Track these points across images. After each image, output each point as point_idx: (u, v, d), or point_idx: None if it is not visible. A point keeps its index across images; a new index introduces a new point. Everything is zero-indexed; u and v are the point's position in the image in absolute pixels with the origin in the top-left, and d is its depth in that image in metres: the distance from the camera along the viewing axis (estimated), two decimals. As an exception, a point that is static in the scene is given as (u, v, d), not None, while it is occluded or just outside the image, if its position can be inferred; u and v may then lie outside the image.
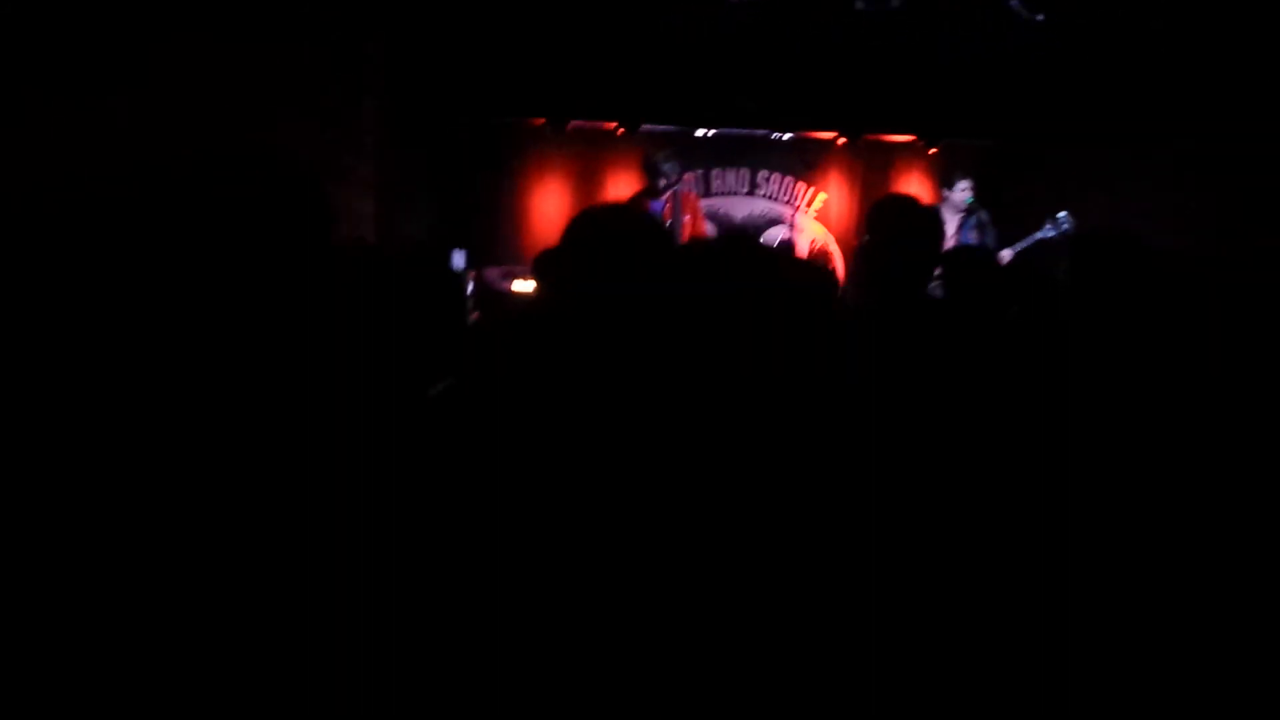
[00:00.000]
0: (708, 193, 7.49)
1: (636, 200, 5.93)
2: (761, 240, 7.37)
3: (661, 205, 5.83)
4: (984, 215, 5.70)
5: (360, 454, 1.31)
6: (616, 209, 1.70)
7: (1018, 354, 1.59)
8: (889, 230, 2.12)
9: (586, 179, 7.40)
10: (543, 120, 7.11)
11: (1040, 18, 5.62)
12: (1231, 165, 5.65)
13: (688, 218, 5.93)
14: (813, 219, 7.61)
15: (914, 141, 7.54)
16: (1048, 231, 5.39)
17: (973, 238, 5.55)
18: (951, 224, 5.66)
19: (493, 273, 5.70)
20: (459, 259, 5.62)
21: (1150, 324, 1.52)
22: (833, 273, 5.24)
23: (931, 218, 2.23)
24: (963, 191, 5.67)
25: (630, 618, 1.30)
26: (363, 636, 1.24)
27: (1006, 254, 5.46)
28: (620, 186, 7.35)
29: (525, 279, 5.48)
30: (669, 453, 1.32)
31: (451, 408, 1.61)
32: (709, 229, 6.54)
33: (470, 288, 5.28)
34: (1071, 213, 5.36)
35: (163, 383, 1.27)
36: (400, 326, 2.00)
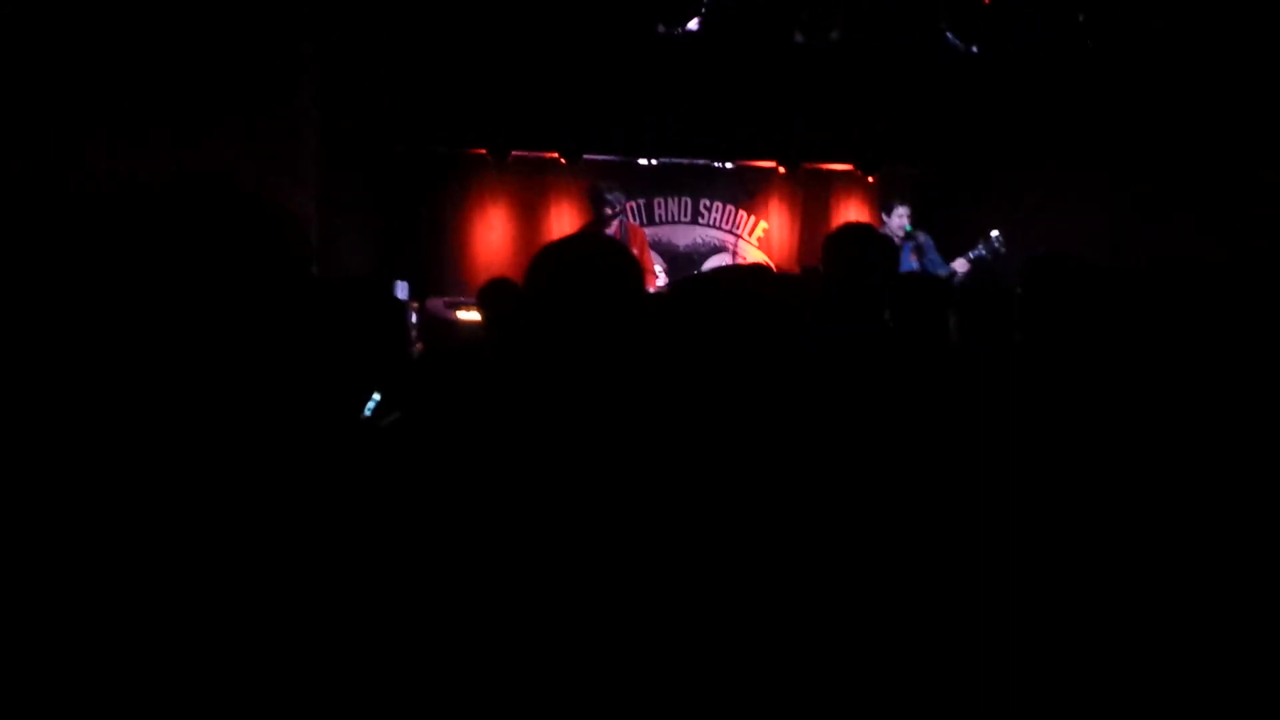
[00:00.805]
0: (651, 221, 7.53)
1: (583, 230, 5.92)
2: (704, 267, 7.44)
3: (610, 236, 5.84)
4: (922, 238, 5.80)
5: (309, 485, 1.28)
6: (584, 240, 1.69)
7: (974, 377, 1.61)
8: (848, 260, 2.14)
9: (529, 208, 7.39)
10: (484, 150, 7.10)
11: (974, 49, 5.76)
12: (1160, 180, 5.84)
13: (635, 251, 5.94)
14: (755, 247, 7.69)
15: (852, 170, 7.67)
16: (980, 251, 5.49)
17: (912, 262, 5.64)
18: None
19: (436, 303, 5.65)
20: (402, 289, 5.55)
21: (1103, 340, 1.55)
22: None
23: (887, 246, 2.26)
24: (900, 218, 5.76)
25: (577, 660, 1.28)
26: (304, 676, 1.20)
27: (961, 264, 5.55)
28: (563, 216, 7.36)
29: (469, 309, 5.43)
30: (627, 489, 1.31)
31: (401, 439, 1.58)
32: (656, 262, 6.56)
33: (414, 318, 5.21)
34: (1005, 233, 5.48)
35: (120, 409, 1.23)
36: (343, 357, 1.96)
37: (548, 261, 1.57)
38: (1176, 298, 1.58)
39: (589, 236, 1.64)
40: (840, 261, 2.18)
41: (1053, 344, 1.55)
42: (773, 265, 7.63)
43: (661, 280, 6.39)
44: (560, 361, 1.52)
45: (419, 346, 4.60)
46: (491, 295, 3.42)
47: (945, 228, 6.47)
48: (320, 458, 1.35)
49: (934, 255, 5.75)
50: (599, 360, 1.46)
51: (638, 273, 1.56)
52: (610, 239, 1.70)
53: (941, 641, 1.32)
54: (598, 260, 1.55)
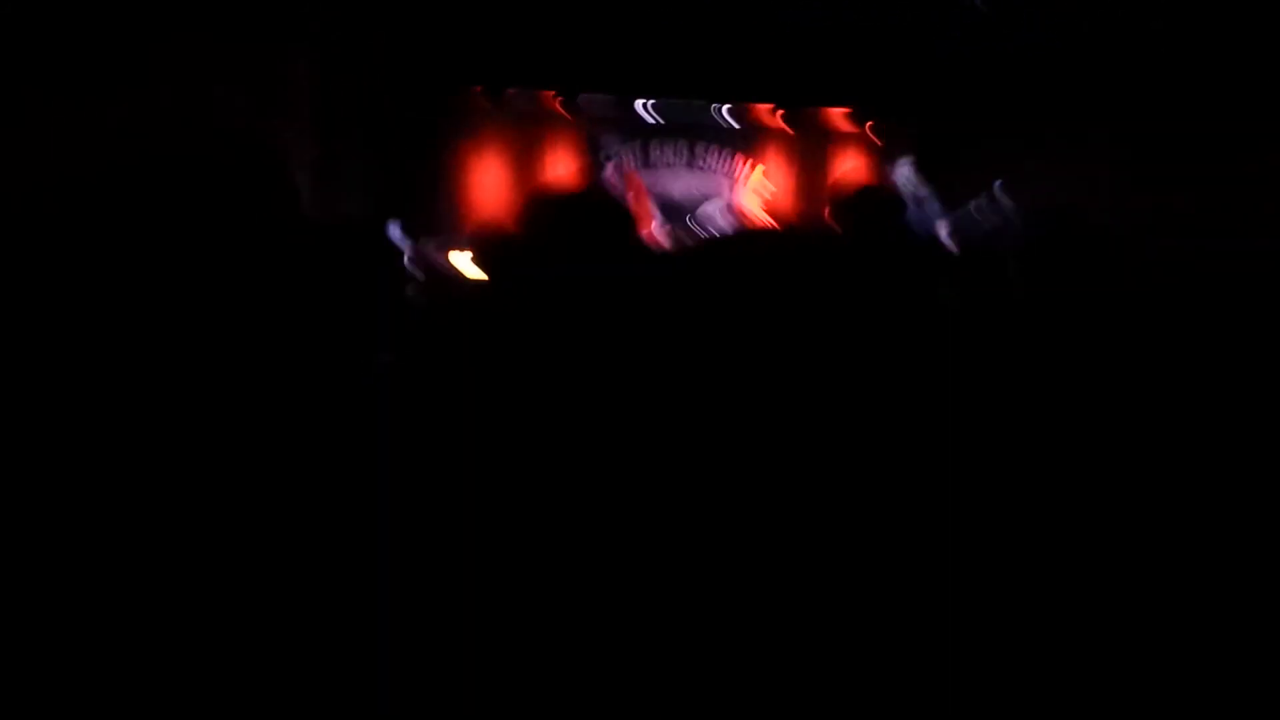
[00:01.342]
0: (646, 165, 7.46)
1: (581, 178, 5.88)
2: (700, 213, 7.39)
3: (606, 184, 5.80)
4: (923, 190, 5.77)
5: (304, 429, 1.28)
6: (576, 191, 1.68)
7: (962, 333, 1.61)
8: (858, 218, 2.13)
9: (525, 151, 7.32)
10: (479, 88, 7.00)
11: (982, 3, 5.67)
12: (1167, 141, 5.81)
13: (632, 198, 5.90)
14: (751, 193, 7.64)
15: (851, 116, 7.59)
16: (980, 201, 5.47)
17: (912, 211, 5.61)
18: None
19: (430, 245, 5.62)
20: (396, 232, 5.52)
21: (1103, 304, 1.55)
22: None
23: (895, 203, 2.25)
24: (906, 171, 5.72)
25: (580, 616, 1.29)
26: (314, 623, 1.21)
27: (943, 226, 5.53)
28: (559, 160, 7.29)
29: (463, 251, 5.41)
30: (626, 441, 1.31)
31: (396, 380, 1.58)
32: (653, 207, 6.51)
33: (408, 260, 5.19)
34: (1006, 185, 5.45)
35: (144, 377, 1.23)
36: (338, 301, 1.95)
37: (539, 209, 1.57)
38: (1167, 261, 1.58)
39: (582, 186, 1.64)
40: (849, 220, 2.17)
41: (1052, 302, 1.55)
42: (767, 211, 7.60)
43: (658, 224, 6.35)
44: (554, 305, 1.52)
45: (412, 288, 4.58)
46: (490, 245, 3.40)
47: (944, 181, 6.43)
48: (317, 399, 1.36)
49: (933, 205, 5.72)
50: (592, 304, 1.45)
51: (629, 221, 1.56)
52: (603, 189, 1.69)
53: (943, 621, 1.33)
54: (589, 208, 1.54)
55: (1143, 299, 1.58)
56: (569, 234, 1.49)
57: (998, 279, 1.81)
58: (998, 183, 5.41)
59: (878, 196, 2.26)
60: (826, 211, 2.23)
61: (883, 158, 6.21)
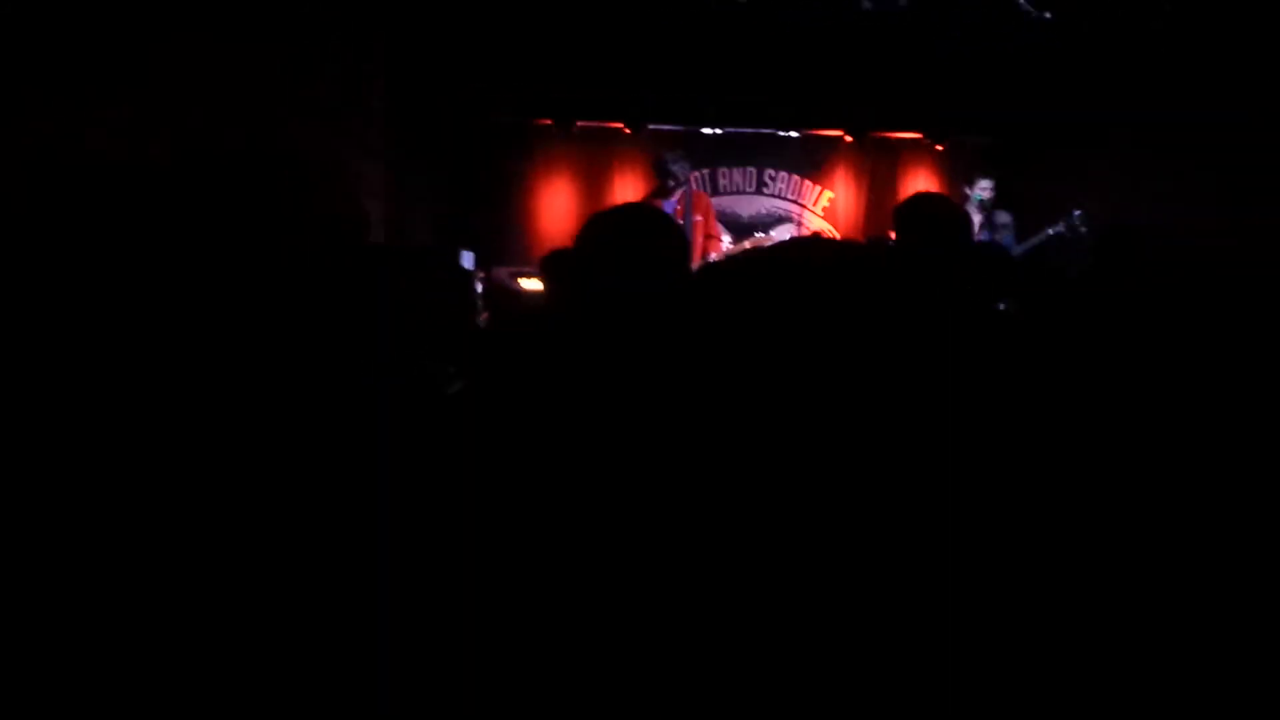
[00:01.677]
0: (715, 191, 7.50)
1: (647, 201, 5.92)
2: (769, 236, 7.39)
3: (673, 205, 5.83)
4: (1003, 216, 5.69)
5: (376, 454, 1.32)
6: (630, 208, 1.71)
7: (1017, 348, 1.60)
8: (921, 229, 2.12)
9: (593, 178, 7.41)
10: (549, 120, 7.13)
11: (1047, 15, 5.61)
12: (1231, 148, 5.66)
13: (699, 218, 5.92)
14: (820, 217, 7.61)
15: (920, 139, 7.53)
16: (1059, 228, 5.37)
17: (987, 235, 5.55)
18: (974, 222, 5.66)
19: (501, 272, 5.71)
20: (468, 259, 5.63)
21: (1166, 317, 1.53)
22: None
23: (960, 217, 2.23)
24: (983, 190, 5.65)
25: (645, 619, 1.30)
26: (370, 637, 1.24)
27: (1016, 251, 5.46)
28: (627, 186, 7.37)
29: (533, 278, 5.49)
30: (685, 453, 1.33)
31: (469, 407, 1.62)
32: (720, 229, 6.54)
33: (480, 288, 5.28)
34: (1083, 207, 5.35)
35: (174, 382, 1.28)
36: (413, 327, 2.00)
37: (593, 229, 1.60)
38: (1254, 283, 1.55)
39: (635, 206, 1.67)
40: (911, 231, 2.16)
41: (1105, 319, 1.54)
42: (837, 236, 7.56)
43: (727, 246, 6.36)
44: (610, 324, 1.54)
45: (484, 316, 4.66)
46: (553, 264, 3.46)
47: (1017, 202, 6.34)
48: (387, 425, 1.40)
49: (1009, 236, 5.64)
50: (649, 322, 1.48)
51: (680, 242, 1.58)
52: (656, 210, 1.71)
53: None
54: (639, 228, 1.57)
55: (1205, 316, 1.55)
56: (628, 254, 1.52)
57: (1062, 293, 1.80)
58: (1077, 212, 5.32)
59: (942, 209, 2.24)
60: (890, 228, 2.22)
61: (956, 179, 6.13)
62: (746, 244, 6.39)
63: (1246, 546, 1.30)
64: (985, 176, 5.68)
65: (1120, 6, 5.61)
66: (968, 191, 5.75)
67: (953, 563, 1.32)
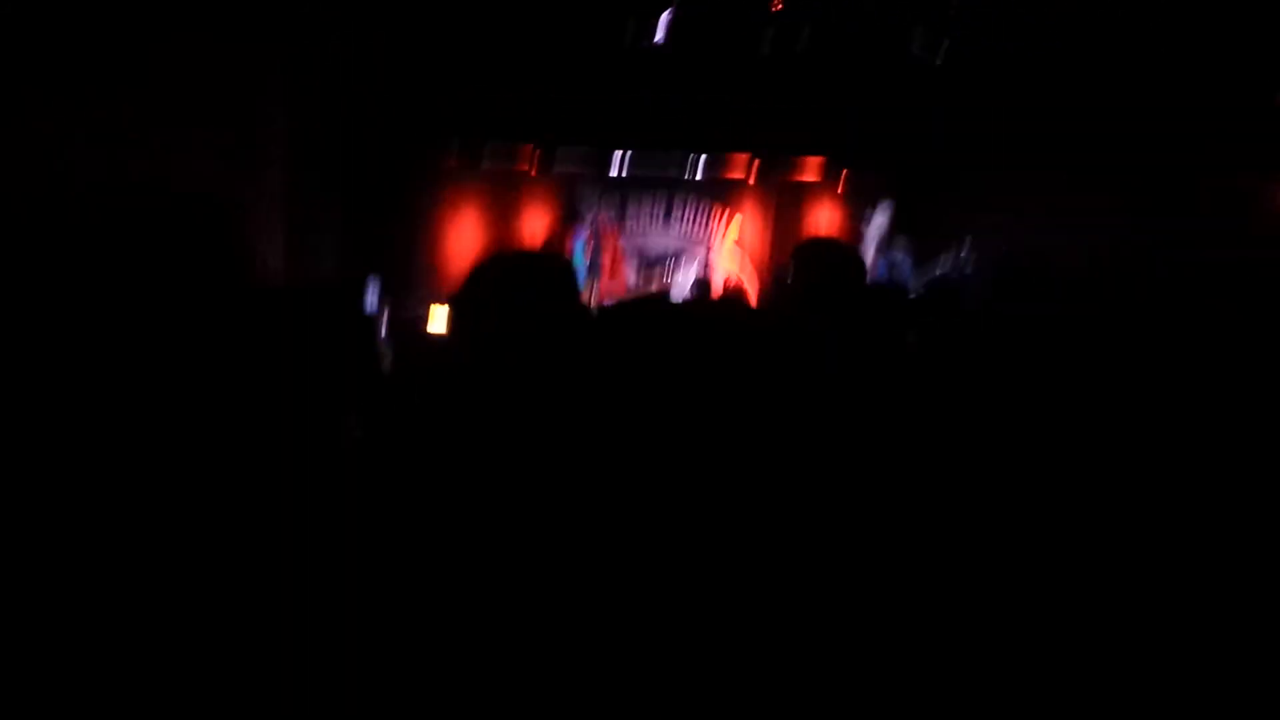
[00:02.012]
0: (623, 219, 7.53)
1: (556, 237, 5.91)
2: (675, 279, 7.46)
3: (583, 243, 5.84)
4: (898, 255, 5.84)
5: (279, 495, 1.28)
6: (524, 255, 1.71)
7: (917, 379, 1.64)
8: (813, 272, 2.16)
9: (501, 213, 7.38)
10: (456, 155, 7.08)
11: (939, 61, 5.82)
12: (1129, 186, 5.96)
13: (608, 257, 5.94)
14: (727, 251, 7.71)
15: (822, 174, 7.71)
16: (952, 260, 5.56)
17: (887, 272, 5.69)
18: (868, 256, 5.80)
19: (406, 310, 5.63)
20: (372, 296, 5.53)
21: (1059, 344, 1.59)
22: (753, 312, 5.34)
23: (855, 258, 2.28)
24: (879, 225, 5.80)
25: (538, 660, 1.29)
26: (295, 676, 1.21)
27: (918, 278, 5.61)
28: (535, 220, 7.35)
29: (437, 315, 5.42)
30: (581, 496, 1.32)
31: (372, 449, 1.58)
32: (629, 267, 6.57)
33: (384, 325, 5.19)
34: (975, 237, 5.54)
35: (57, 431, 1.22)
36: (313, 368, 1.94)
37: (481, 274, 1.60)
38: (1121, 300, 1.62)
39: (519, 250, 1.67)
40: (806, 274, 2.19)
41: (1003, 357, 1.59)
42: (745, 270, 7.67)
43: (627, 283, 6.39)
44: (499, 373, 1.53)
45: (388, 354, 4.58)
46: (457, 304, 3.41)
47: (916, 232, 6.53)
48: (292, 468, 1.35)
49: (907, 269, 5.80)
50: (531, 374, 1.47)
51: (569, 285, 1.59)
52: (550, 254, 1.72)
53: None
54: (529, 273, 1.56)
55: (1096, 333, 1.62)
56: (524, 294, 1.51)
57: (958, 322, 1.85)
58: (967, 239, 5.52)
59: (837, 252, 2.29)
60: (790, 265, 2.26)
61: (855, 210, 6.28)
62: (652, 286, 6.45)
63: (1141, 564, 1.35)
64: (880, 209, 5.83)
65: (1012, 39, 5.84)
66: (864, 227, 5.89)
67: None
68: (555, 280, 1.58)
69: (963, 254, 5.50)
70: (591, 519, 1.34)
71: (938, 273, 5.56)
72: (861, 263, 2.31)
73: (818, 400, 1.60)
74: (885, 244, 5.72)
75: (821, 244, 2.42)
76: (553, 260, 1.67)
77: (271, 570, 1.26)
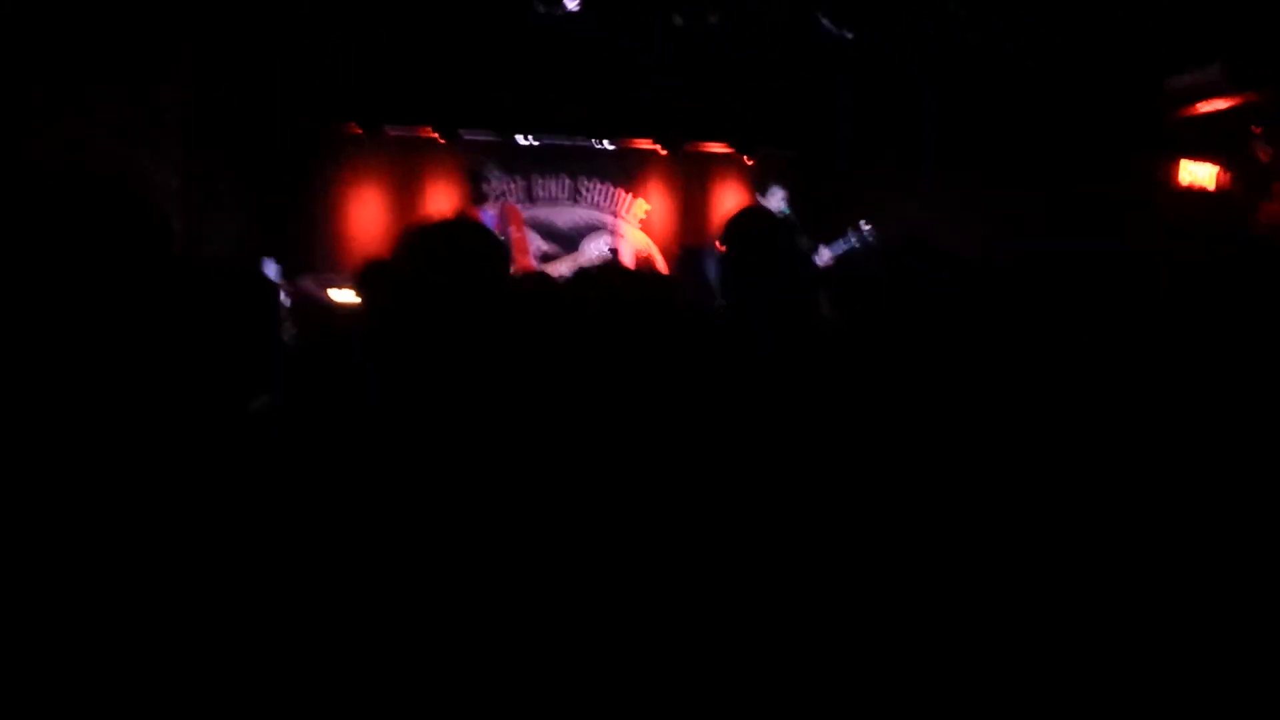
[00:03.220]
0: (530, 200, 7.49)
1: (463, 211, 5.82)
2: (584, 248, 7.45)
3: (489, 217, 5.77)
4: (795, 223, 5.92)
5: (178, 471, 1.25)
6: (453, 222, 1.68)
7: (840, 354, 1.68)
8: (745, 241, 2.18)
9: (405, 187, 7.26)
10: (359, 128, 6.93)
11: (849, 35, 5.90)
12: (1015, 171, 6.19)
13: (513, 232, 5.89)
14: (635, 227, 7.73)
15: (731, 152, 7.78)
16: (851, 241, 5.67)
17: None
18: None
19: (308, 283, 5.49)
20: (271, 269, 5.38)
21: (953, 324, 1.64)
22: (670, 281, 5.34)
23: (783, 229, 2.31)
24: (777, 200, 5.85)
25: (449, 632, 1.29)
26: (181, 648, 1.18)
27: (826, 253, 5.69)
28: (440, 194, 7.25)
29: (343, 289, 5.31)
30: (509, 472, 1.32)
31: (275, 425, 1.55)
32: (531, 242, 6.52)
33: (285, 299, 5.06)
34: (875, 222, 5.66)
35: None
36: (212, 342, 1.90)
37: (407, 245, 1.57)
38: (1032, 289, 1.69)
39: (449, 221, 1.64)
40: (737, 242, 2.22)
41: (911, 327, 1.63)
42: (655, 245, 7.70)
43: (534, 260, 6.35)
44: (420, 347, 1.52)
45: (291, 328, 4.47)
46: (371, 276, 3.35)
47: (818, 215, 6.64)
48: (187, 444, 1.32)
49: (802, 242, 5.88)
50: (455, 347, 1.46)
51: (496, 256, 1.57)
52: (472, 222, 1.70)
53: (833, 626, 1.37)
54: (456, 243, 1.55)
55: (989, 314, 1.68)
56: (442, 267, 1.49)
57: (867, 296, 1.89)
58: (865, 225, 5.64)
59: (766, 220, 2.32)
60: (714, 236, 2.28)
61: (757, 187, 6.34)
62: (560, 264, 6.42)
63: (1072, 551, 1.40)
64: (777, 187, 5.88)
65: (920, 27, 5.96)
66: (762, 201, 5.93)
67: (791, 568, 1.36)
68: (489, 250, 1.56)
69: (864, 230, 5.63)
70: (507, 494, 1.34)
71: (842, 247, 5.67)
72: (791, 231, 2.34)
73: (752, 374, 1.62)
74: (783, 217, 5.79)
75: (753, 212, 2.44)
76: (483, 231, 1.65)
77: (168, 545, 1.23)
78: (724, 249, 2.15)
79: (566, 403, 1.28)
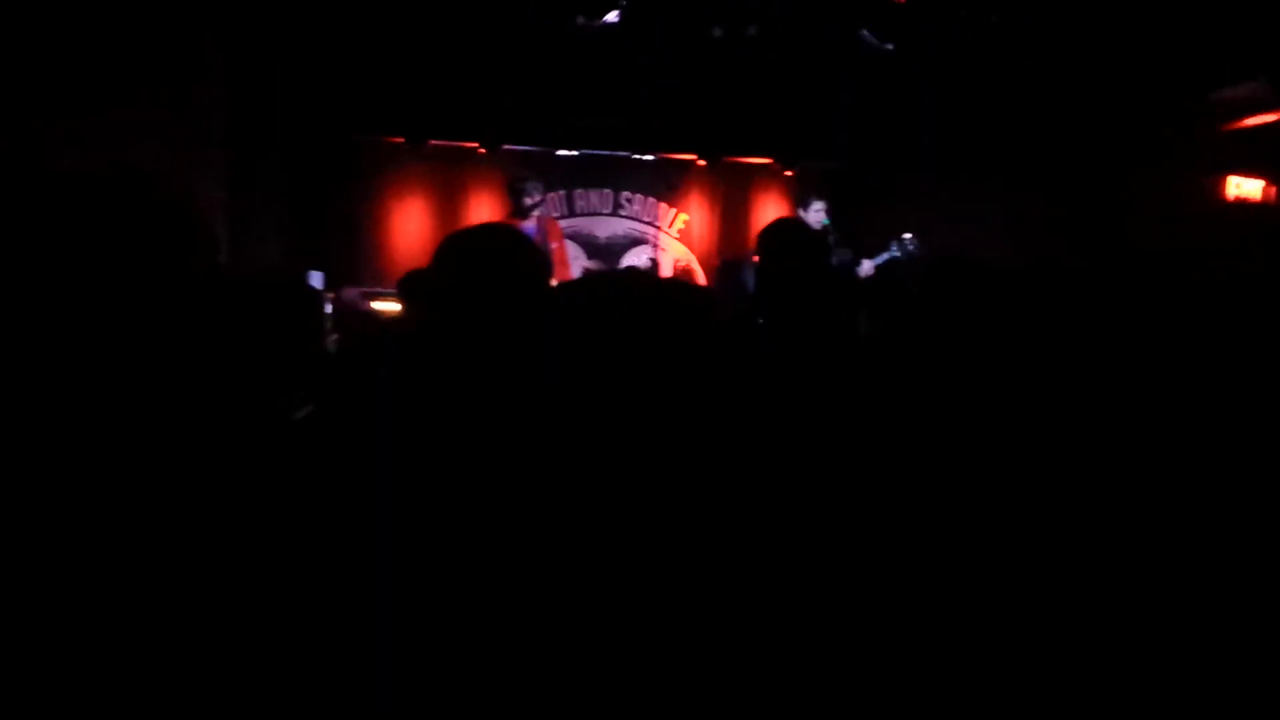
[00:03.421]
0: (571, 213, 7.53)
1: (503, 223, 5.87)
2: (626, 260, 7.48)
3: (530, 230, 5.82)
4: (836, 236, 5.90)
5: (222, 480, 1.27)
6: (491, 228, 1.69)
7: (876, 366, 1.67)
8: (781, 252, 2.19)
9: (447, 198, 7.33)
10: (402, 138, 7.02)
11: (890, 47, 5.87)
12: (1058, 183, 6.13)
13: (553, 245, 5.93)
14: (675, 239, 7.74)
15: (771, 164, 7.77)
16: (894, 252, 5.63)
17: (835, 258, 5.74)
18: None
19: (352, 293, 5.56)
20: (316, 280, 5.46)
21: (993, 337, 1.63)
22: (708, 292, 5.34)
23: (820, 241, 2.31)
24: (817, 212, 5.84)
25: (495, 654, 1.30)
26: (223, 662, 1.20)
27: (868, 266, 5.66)
28: (481, 206, 7.32)
29: (386, 299, 5.37)
30: (545, 480, 1.32)
31: (317, 432, 1.57)
32: (571, 254, 6.56)
33: (329, 309, 5.13)
34: (917, 233, 5.62)
35: (20, 408, 1.21)
36: (258, 351, 1.93)
37: (449, 252, 1.58)
38: (1057, 293, 1.67)
39: (491, 227, 1.65)
40: (773, 253, 2.22)
41: (948, 341, 1.62)
42: (694, 257, 7.70)
43: (576, 272, 6.39)
44: (461, 355, 1.53)
45: (335, 338, 4.53)
46: (412, 285, 3.39)
47: (859, 225, 6.61)
48: (235, 452, 1.34)
49: (848, 258, 5.86)
50: (496, 354, 1.47)
51: (539, 264, 1.58)
52: (513, 230, 1.71)
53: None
54: (498, 251, 1.56)
55: (1031, 330, 1.66)
56: (483, 279, 1.51)
57: (906, 312, 1.89)
58: (907, 235, 5.60)
59: (804, 233, 2.32)
60: (752, 249, 2.29)
61: (797, 200, 6.32)
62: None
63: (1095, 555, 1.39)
64: (817, 199, 5.86)
65: (961, 37, 5.92)
66: (802, 214, 5.91)
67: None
68: (528, 255, 1.57)
69: (906, 242, 5.58)
70: (548, 505, 1.35)
71: (884, 258, 5.64)
72: (826, 244, 2.34)
73: (770, 386, 1.62)
74: (831, 235, 5.78)
75: (788, 224, 2.44)
76: (522, 237, 1.66)
77: (200, 554, 1.25)
78: (758, 260, 2.16)
79: (597, 409, 1.29)
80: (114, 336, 1.24)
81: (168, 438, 1.24)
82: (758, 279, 2.27)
